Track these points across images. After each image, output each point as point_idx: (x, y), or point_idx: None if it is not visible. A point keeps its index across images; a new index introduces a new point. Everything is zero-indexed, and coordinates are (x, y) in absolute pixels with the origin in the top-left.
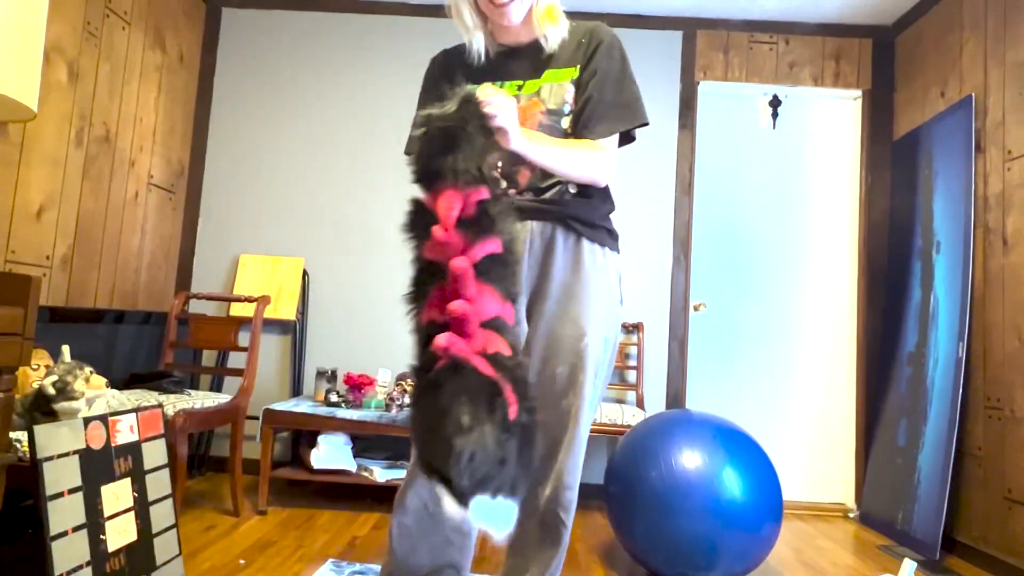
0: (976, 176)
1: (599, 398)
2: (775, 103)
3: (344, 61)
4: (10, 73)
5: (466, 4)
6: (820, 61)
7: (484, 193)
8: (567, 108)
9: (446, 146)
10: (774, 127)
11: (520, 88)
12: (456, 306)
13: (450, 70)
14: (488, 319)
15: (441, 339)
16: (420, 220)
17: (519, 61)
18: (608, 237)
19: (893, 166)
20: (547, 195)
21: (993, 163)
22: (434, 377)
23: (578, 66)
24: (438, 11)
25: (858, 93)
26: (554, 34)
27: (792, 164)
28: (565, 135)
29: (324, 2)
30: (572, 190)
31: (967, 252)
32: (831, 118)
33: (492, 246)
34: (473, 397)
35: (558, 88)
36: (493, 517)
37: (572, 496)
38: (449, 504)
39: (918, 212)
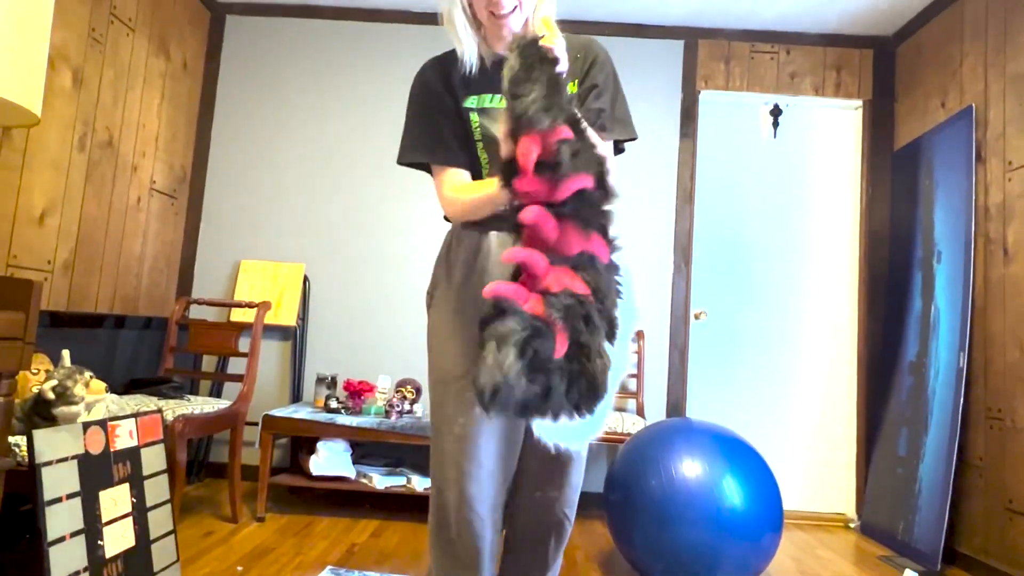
0: (977, 186)
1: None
2: (776, 112)
3: (347, 69)
4: (14, 79)
5: (461, 13)
6: (821, 71)
7: (565, 132)
8: None
9: (519, 91)
10: (775, 136)
11: None
12: (510, 253)
13: (447, 79)
14: (567, 256)
15: (490, 286)
16: (510, 173)
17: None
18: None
19: (894, 176)
20: None
21: (994, 174)
22: (481, 320)
23: (576, 80)
24: (438, 18)
25: (859, 103)
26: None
27: (793, 173)
28: None
29: (327, 10)
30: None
31: (968, 262)
32: (832, 128)
33: (580, 183)
34: (502, 339)
35: None
36: (560, 435)
37: (578, 493)
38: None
39: (919, 222)
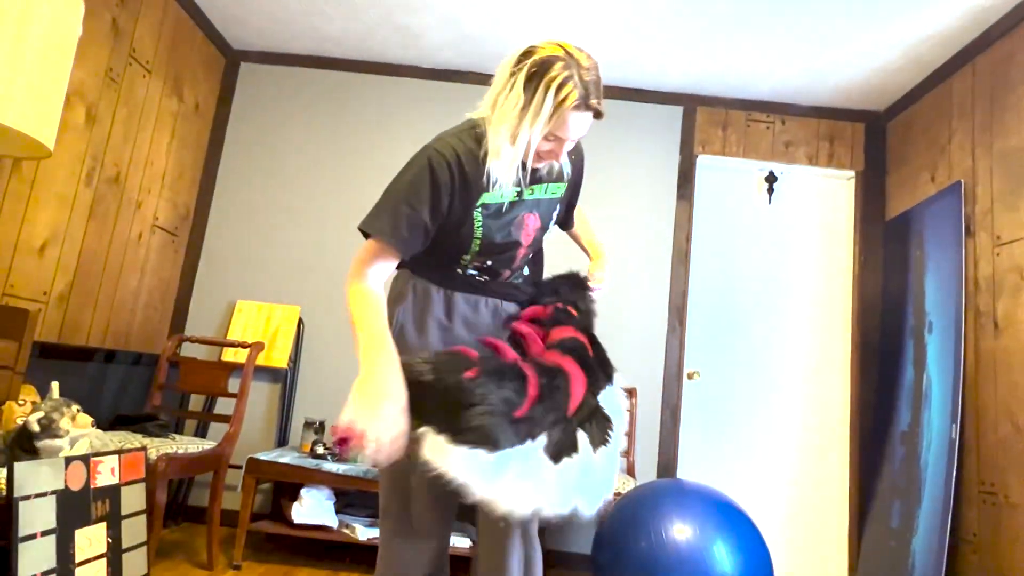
0: (966, 259)
1: None
2: (771, 179)
3: (353, 119)
4: (32, 113)
5: (522, 144)
6: (815, 141)
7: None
8: (553, 219)
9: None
10: (770, 202)
11: (519, 195)
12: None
13: (466, 180)
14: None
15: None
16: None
17: (529, 172)
18: None
19: (885, 245)
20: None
21: (983, 248)
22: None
23: (565, 184)
24: (450, 75)
25: (851, 174)
26: (566, 159)
27: (787, 239)
28: (541, 242)
29: (339, 62)
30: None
31: (959, 333)
32: (825, 196)
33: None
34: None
35: (551, 203)
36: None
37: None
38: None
39: (910, 291)
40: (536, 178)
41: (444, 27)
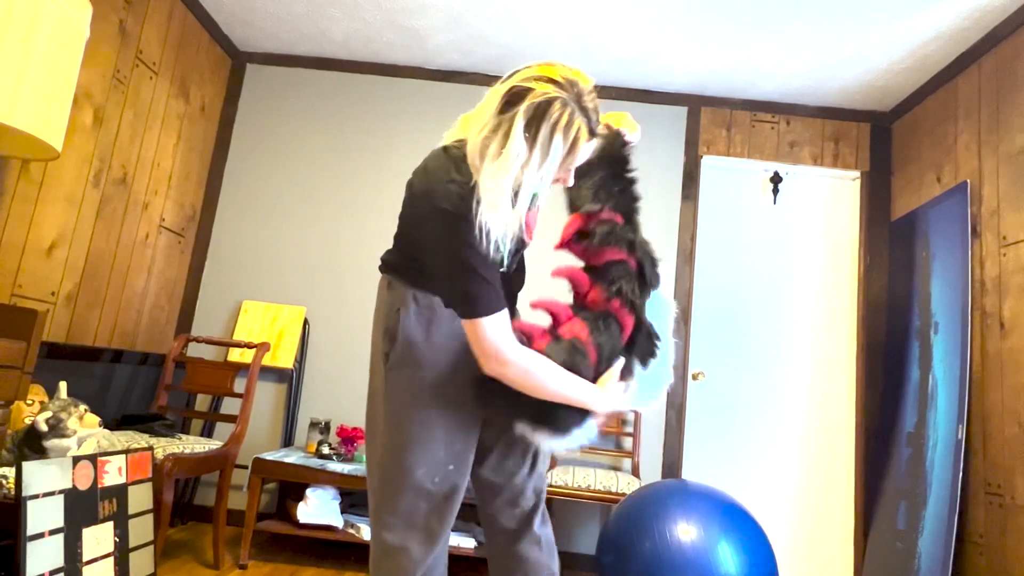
0: (972, 260)
1: None
2: (776, 180)
3: (358, 121)
4: (39, 115)
5: (512, 207)
6: (820, 142)
7: (607, 215)
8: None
9: (580, 181)
10: (775, 203)
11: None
12: (537, 301)
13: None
14: (590, 313)
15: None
16: None
17: None
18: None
19: (891, 246)
20: None
21: (989, 248)
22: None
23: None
24: (454, 77)
25: (856, 174)
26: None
27: (792, 239)
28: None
29: (344, 64)
30: None
31: (965, 334)
32: (830, 197)
33: (611, 255)
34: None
35: (543, 193)
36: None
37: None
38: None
39: (916, 292)
40: None
41: (448, 29)
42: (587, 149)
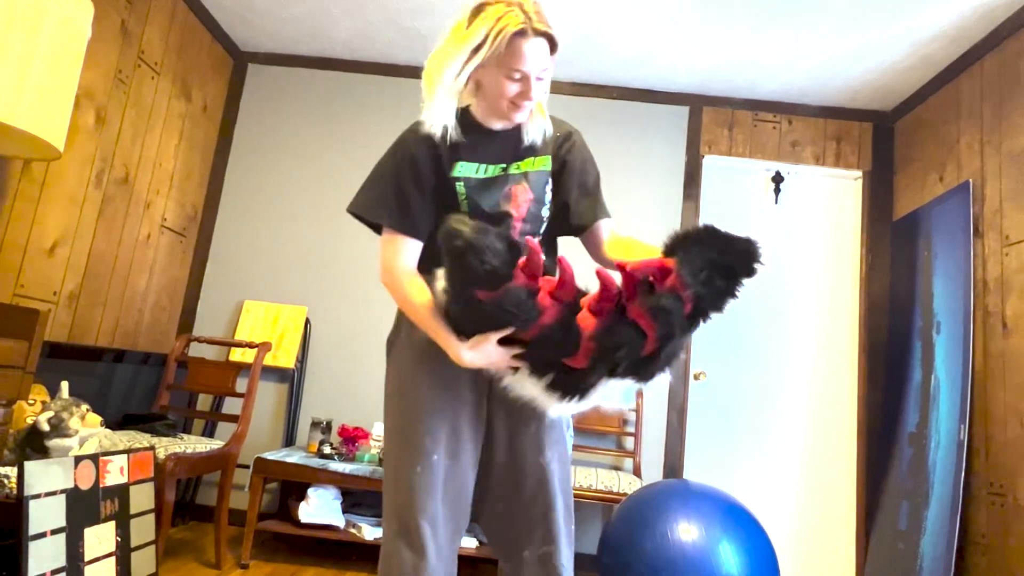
0: (975, 260)
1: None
2: (778, 179)
3: (360, 120)
4: (41, 115)
5: (463, 84)
6: (822, 141)
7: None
8: (546, 198)
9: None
10: (776, 202)
11: (504, 170)
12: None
13: (434, 150)
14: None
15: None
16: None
17: (499, 144)
18: None
19: (893, 246)
20: None
21: (991, 248)
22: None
23: (549, 156)
24: None
25: (858, 174)
26: (538, 127)
27: (794, 239)
28: (542, 221)
29: (345, 63)
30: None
31: (967, 334)
32: (832, 196)
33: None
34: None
35: (538, 176)
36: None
37: (570, 549)
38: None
39: (918, 292)
40: (521, 155)
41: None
42: (530, 49)
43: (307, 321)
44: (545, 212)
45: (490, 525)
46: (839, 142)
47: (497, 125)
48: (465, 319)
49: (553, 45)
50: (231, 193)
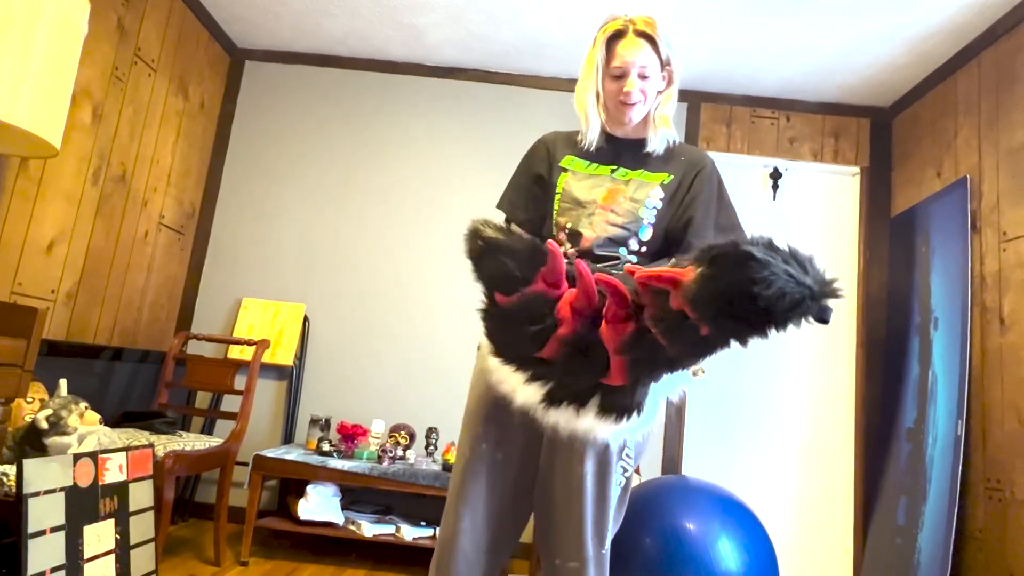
0: (972, 255)
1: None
2: (776, 175)
3: (357, 117)
4: (38, 112)
5: (592, 98)
6: (820, 138)
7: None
8: (649, 204)
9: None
10: (774, 199)
11: (613, 172)
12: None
13: (554, 149)
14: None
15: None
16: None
17: (617, 149)
18: None
19: (891, 242)
20: (604, 263)
21: (989, 244)
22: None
23: (670, 176)
24: (454, 73)
25: (856, 170)
26: (661, 138)
27: (792, 235)
28: (641, 223)
29: (343, 60)
30: (633, 259)
31: (965, 330)
32: (830, 192)
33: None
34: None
35: (646, 186)
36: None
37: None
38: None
39: (916, 288)
40: (636, 165)
41: (448, 25)
42: (625, 48)
43: (305, 318)
44: (646, 214)
45: (535, 524)
46: (837, 138)
47: (618, 132)
48: (491, 327)
49: (655, 46)
50: (229, 190)
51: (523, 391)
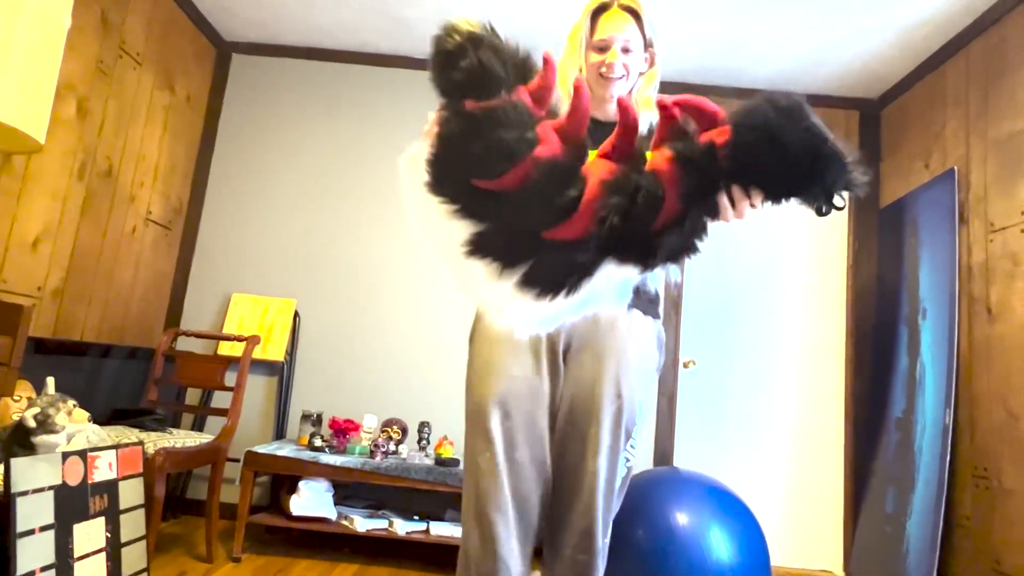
0: (960, 246)
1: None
2: None
3: (347, 111)
4: (21, 107)
5: (575, 75)
6: None
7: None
8: None
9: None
10: None
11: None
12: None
13: None
14: None
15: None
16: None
17: (603, 136)
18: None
19: (879, 233)
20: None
21: (976, 235)
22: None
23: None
24: None
25: None
26: (643, 120)
27: (781, 227)
28: None
29: (331, 53)
30: None
31: (952, 320)
32: None
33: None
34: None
35: None
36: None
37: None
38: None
39: (904, 279)
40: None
41: (436, 18)
42: (608, 22)
43: (296, 314)
44: None
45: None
46: None
47: (599, 115)
48: (444, 142)
49: (640, 22)
50: (217, 185)
51: (513, 308)
